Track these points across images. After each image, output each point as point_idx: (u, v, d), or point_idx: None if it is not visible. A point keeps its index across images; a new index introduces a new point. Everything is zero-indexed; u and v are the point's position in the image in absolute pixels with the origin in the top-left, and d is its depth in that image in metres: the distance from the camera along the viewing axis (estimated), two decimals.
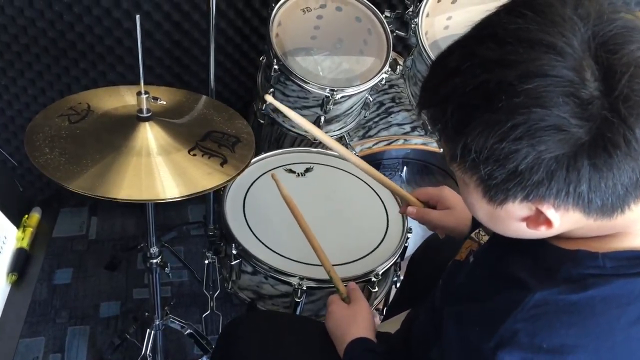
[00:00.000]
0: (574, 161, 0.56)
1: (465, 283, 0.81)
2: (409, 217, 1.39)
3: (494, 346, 0.62)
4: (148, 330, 1.47)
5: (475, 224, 1.04)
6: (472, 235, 0.95)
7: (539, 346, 0.61)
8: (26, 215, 1.99)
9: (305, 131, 1.08)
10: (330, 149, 1.12)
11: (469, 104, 0.58)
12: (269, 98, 1.07)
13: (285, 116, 1.57)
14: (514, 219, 0.65)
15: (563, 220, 0.62)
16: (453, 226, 1.07)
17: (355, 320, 1.01)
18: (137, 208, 2.14)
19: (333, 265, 1.26)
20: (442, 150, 1.65)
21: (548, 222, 0.62)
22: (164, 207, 2.16)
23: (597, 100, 0.54)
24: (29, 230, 1.95)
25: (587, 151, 0.55)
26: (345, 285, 1.12)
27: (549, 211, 0.60)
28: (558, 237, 0.68)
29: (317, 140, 1.08)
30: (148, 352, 1.46)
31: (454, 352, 0.72)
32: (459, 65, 0.59)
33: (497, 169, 0.58)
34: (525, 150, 0.56)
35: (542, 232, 0.64)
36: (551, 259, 0.67)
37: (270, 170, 1.49)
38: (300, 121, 1.11)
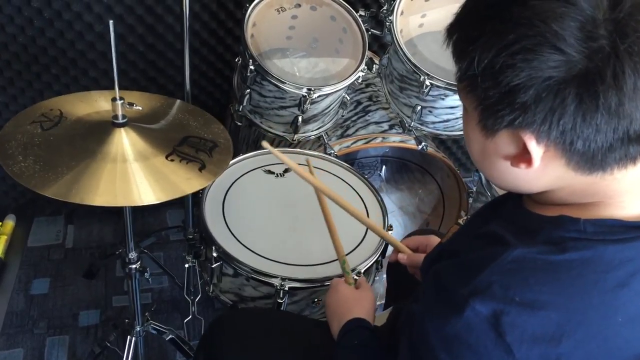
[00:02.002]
0: (563, 88, 0.57)
1: (449, 245, 0.83)
2: (388, 215, 1.41)
3: (468, 294, 0.63)
4: (129, 337, 1.45)
5: None
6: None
7: (511, 298, 0.61)
8: (0, 223, 1.95)
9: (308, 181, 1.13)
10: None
11: (485, 15, 0.60)
12: (266, 145, 1.07)
13: (262, 117, 1.58)
14: (500, 156, 0.66)
15: (545, 164, 0.63)
16: None
17: (361, 303, 1.02)
18: (114, 215, 2.11)
19: (314, 265, 1.27)
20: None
21: (529, 161, 0.63)
22: (142, 213, 2.14)
23: (603, 38, 0.55)
24: (3, 238, 1.92)
25: (577, 82, 0.56)
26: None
27: (531, 143, 0.61)
28: (541, 204, 0.69)
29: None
30: None
31: (430, 300, 0.72)
32: None
33: (492, 86, 0.59)
34: (519, 66, 0.57)
35: (524, 174, 0.65)
36: (533, 223, 0.68)
37: (249, 172, 1.48)
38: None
